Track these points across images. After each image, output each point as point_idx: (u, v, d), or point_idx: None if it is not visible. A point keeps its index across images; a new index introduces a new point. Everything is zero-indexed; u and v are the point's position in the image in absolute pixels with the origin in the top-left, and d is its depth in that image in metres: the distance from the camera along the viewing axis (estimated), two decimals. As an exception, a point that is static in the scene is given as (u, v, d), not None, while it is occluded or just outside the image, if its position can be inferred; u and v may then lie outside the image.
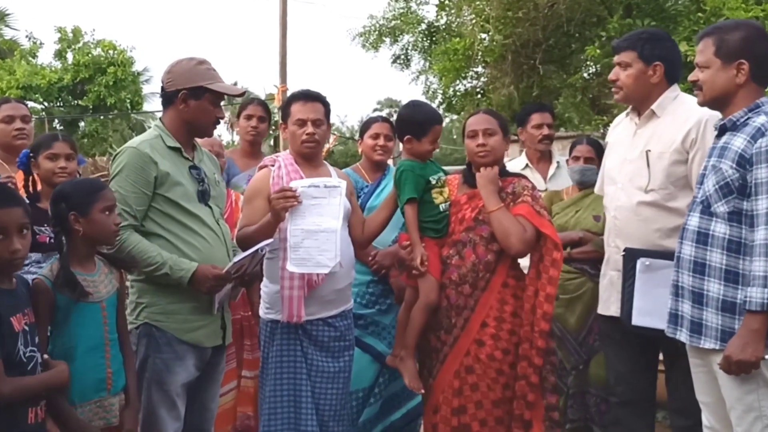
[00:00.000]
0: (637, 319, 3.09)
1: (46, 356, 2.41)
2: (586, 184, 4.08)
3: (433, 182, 3.29)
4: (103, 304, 2.59)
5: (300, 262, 3.06)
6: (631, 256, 3.13)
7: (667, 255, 2.98)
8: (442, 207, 3.29)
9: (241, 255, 2.92)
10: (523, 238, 3.12)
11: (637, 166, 3.18)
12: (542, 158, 4.66)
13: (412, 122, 3.32)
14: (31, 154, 3.25)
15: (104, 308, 2.60)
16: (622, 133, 3.38)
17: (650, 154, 3.15)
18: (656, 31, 3.33)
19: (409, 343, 3.20)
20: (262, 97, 32.94)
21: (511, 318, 3.17)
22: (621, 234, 3.24)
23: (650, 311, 3.03)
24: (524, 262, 3.28)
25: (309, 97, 3.30)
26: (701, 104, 2.77)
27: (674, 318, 2.71)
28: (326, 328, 3.21)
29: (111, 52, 24.05)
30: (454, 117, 21.20)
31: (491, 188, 3.20)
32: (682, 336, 2.67)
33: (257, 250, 2.93)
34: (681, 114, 3.14)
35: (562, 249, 3.16)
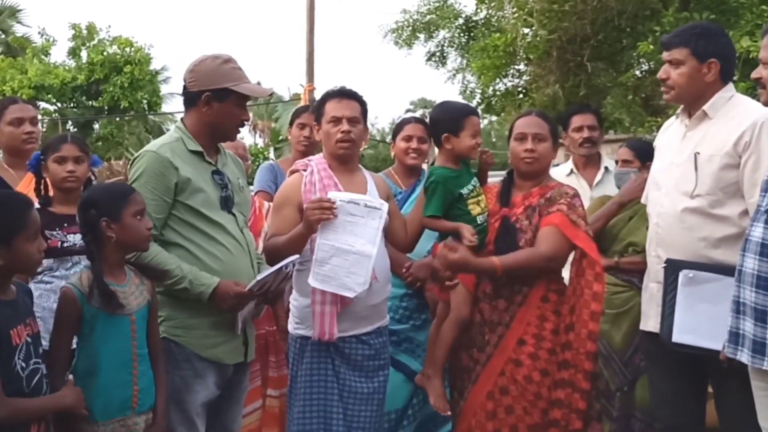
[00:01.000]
0: (678, 336, 3.07)
1: (70, 377, 2.46)
2: None
3: (465, 194, 3.30)
4: (132, 317, 2.65)
5: (324, 279, 3.07)
6: (673, 268, 3.12)
7: (713, 267, 2.97)
8: (480, 219, 3.30)
9: (265, 272, 2.94)
10: (547, 256, 3.14)
11: (684, 170, 3.17)
12: (589, 163, 4.65)
13: (446, 118, 3.34)
14: (41, 157, 3.30)
15: (133, 321, 2.65)
16: (672, 136, 3.37)
17: (699, 157, 3.13)
18: (710, 25, 3.31)
19: (437, 361, 3.21)
20: (287, 98, 33.27)
21: (552, 336, 3.16)
22: (663, 243, 3.23)
23: (693, 328, 3.02)
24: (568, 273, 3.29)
25: (344, 94, 3.32)
26: (765, 104, 2.75)
27: (734, 337, 2.69)
28: (360, 346, 3.23)
29: (127, 49, 24.40)
30: (494, 118, 21.12)
31: (462, 265, 3.13)
32: (744, 356, 2.65)
33: (281, 268, 2.95)
34: (735, 116, 3.12)
35: (601, 263, 3.16)
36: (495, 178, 3.61)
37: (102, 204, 2.64)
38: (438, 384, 3.19)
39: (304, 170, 3.32)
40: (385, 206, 3.18)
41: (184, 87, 3.08)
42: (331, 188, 3.21)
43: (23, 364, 2.31)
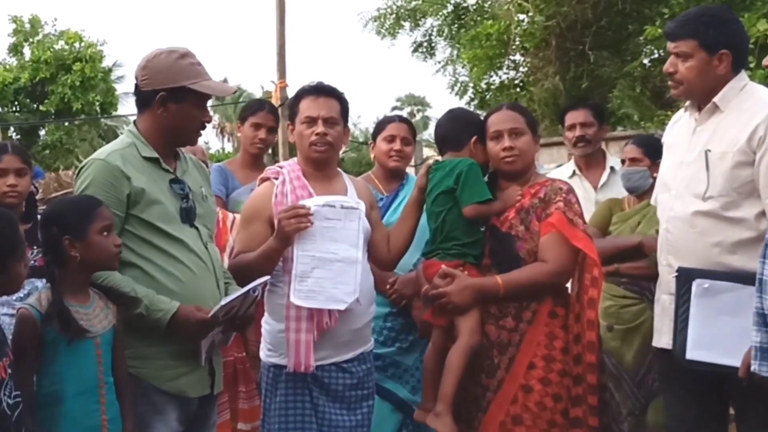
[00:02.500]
0: (693, 353, 3.08)
1: None
2: (635, 191, 4.13)
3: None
4: (97, 340, 2.65)
5: (308, 295, 3.08)
6: (685, 277, 3.13)
7: (730, 276, 2.98)
8: (481, 228, 3.31)
9: (231, 296, 2.93)
10: (554, 272, 3.17)
11: (694, 170, 3.19)
12: (592, 163, 4.69)
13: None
14: None
15: (98, 345, 2.65)
16: (680, 132, 3.39)
17: (710, 155, 3.15)
18: (718, 11, 3.32)
19: (446, 396, 3.16)
20: (258, 95, 33.20)
21: (562, 356, 3.19)
22: (674, 250, 3.24)
23: (708, 344, 3.03)
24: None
25: (321, 91, 3.32)
26: None
27: (766, 353, 2.68)
28: (341, 375, 3.23)
29: (77, 45, 24.33)
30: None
31: (468, 293, 3.17)
32: None
33: (249, 291, 2.94)
34: (748, 108, 3.14)
35: (600, 265, 3.19)
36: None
37: (65, 220, 2.65)
38: (449, 422, 3.13)
39: (276, 178, 3.31)
40: (362, 204, 3.19)
41: (136, 86, 3.07)
42: (304, 198, 3.20)
43: (9, 401, 2.32)
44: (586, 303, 3.17)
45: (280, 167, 3.38)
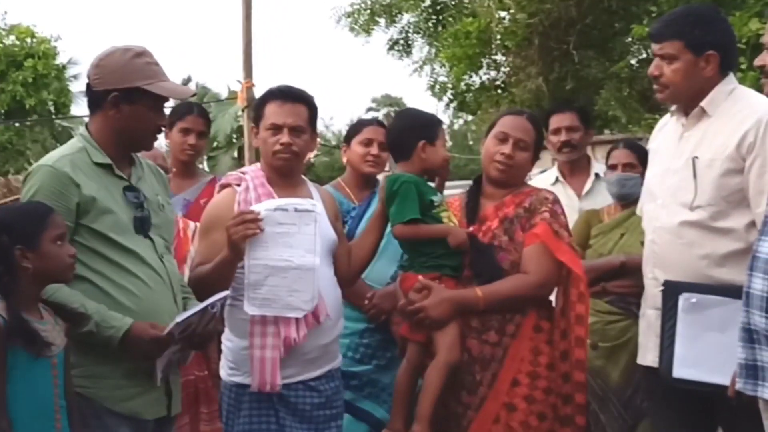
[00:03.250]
0: (680, 371, 3.11)
1: None
2: (627, 199, 4.13)
3: (436, 203, 3.33)
4: (54, 360, 2.64)
5: (262, 303, 3.08)
6: (671, 291, 3.16)
7: (718, 289, 3.01)
8: None
9: (187, 312, 2.91)
10: (536, 283, 3.20)
11: (681, 177, 3.21)
12: (576, 169, 4.71)
13: (423, 123, 3.42)
14: None
15: (55, 365, 2.64)
16: (667, 138, 3.42)
17: (698, 162, 3.17)
18: (704, 10, 3.36)
19: (424, 415, 3.16)
20: (224, 95, 33.11)
21: (547, 372, 3.21)
22: (660, 262, 3.27)
23: (696, 361, 3.05)
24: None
25: (288, 96, 3.32)
26: None
27: (752, 370, 2.69)
28: (308, 393, 3.23)
29: (29, 40, 24.18)
30: (469, 118, 21.28)
31: (446, 306, 3.19)
32: (767, 393, 2.67)
33: (207, 307, 2.92)
34: (737, 112, 3.17)
35: (585, 279, 3.22)
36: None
37: (15, 228, 2.62)
38: None
39: (238, 185, 3.31)
40: (319, 206, 3.20)
41: (88, 85, 3.06)
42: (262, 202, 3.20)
43: None
44: (574, 319, 3.20)
45: (243, 173, 3.37)
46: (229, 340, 3.30)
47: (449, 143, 37.49)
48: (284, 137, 3.25)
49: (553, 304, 3.33)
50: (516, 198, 3.34)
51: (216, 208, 3.35)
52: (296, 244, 3.10)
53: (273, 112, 3.28)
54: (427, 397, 3.17)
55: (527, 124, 3.39)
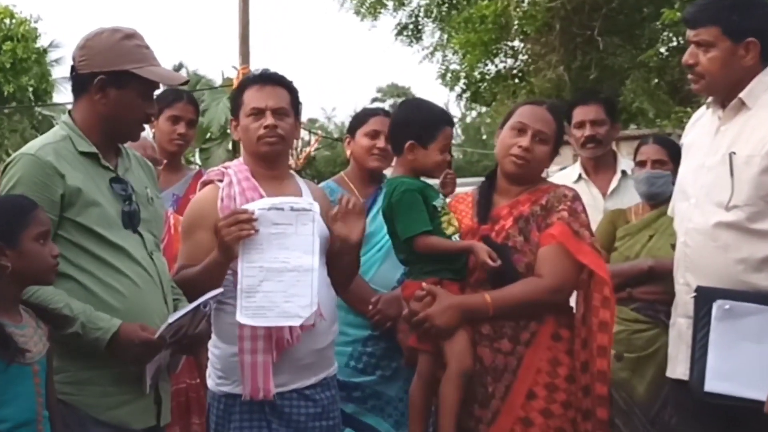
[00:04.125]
0: (712, 384, 3.10)
1: None
2: (656, 198, 4.13)
3: (439, 208, 3.35)
4: (35, 367, 2.64)
5: (256, 312, 3.09)
6: (704, 298, 3.15)
7: (755, 296, 3.00)
8: (455, 238, 3.33)
9: (178, 313, 2.92)
10: (551, 287, 3.19)
11: (717, 175, 3.20)
12: (601, 166, 4.71)
13: (416, 122, 3.39)
14: None
15: (36, 373, 2.64)
16: (702, 132, 3.41)
17: (735, 158, 3.16)
18: None
19: None
20: (218, 82, 33.13)
21: (567, 384, 3.22)
22: (693, 267, 3.26)
23: (730, 373, 3.04)
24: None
25: (267, 79, 3.35)
26: None
27: None
28: (303, 403, 3.23)
29: (7, 21, 24.22)
30: (483, 110, 21.27)
31: (452, 313, 3.19)
32: None
33: (199, 306, 2.94)
34: None
35: (611, 283, 3.21)
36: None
37: None
38: None
39: (220, 181, 3.33)
40: (316, 205, 3.20)
41: (73, 68, 3.07)
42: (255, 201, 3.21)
43: None
44: (596, 327, 3.20)
45: (225, 168, 3.40)
46: (216, 347, 3.31)
47: (461, 137, 37.57)
48: (268, 119, 3.27)
49: (575, 311, 3.34)
50: (532, 195, 3.34)
51: (198, 206, 3.37)
52: (292, 245, 3.12)
53: (253, 97, 3.31)
54: (446, 415, 3.18)
55: (548, 115, 3.38)
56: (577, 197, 3.35)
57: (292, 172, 3.49)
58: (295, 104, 3.38)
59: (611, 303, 3.22)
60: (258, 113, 3.28)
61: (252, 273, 3.09)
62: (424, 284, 3.25)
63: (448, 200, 3.50)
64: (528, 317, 3.22)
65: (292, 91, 3.38)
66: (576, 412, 3.21)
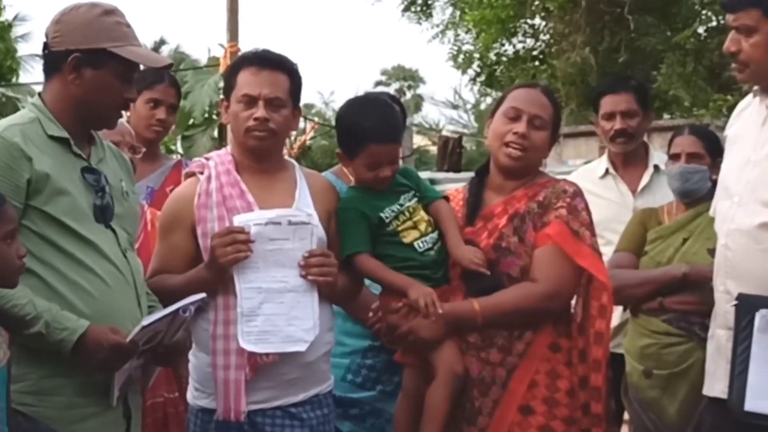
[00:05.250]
0: (753, 403, 3.11)
1: None
2: (692, 196, 4.13)
3: (387, 219, 3.34)
4: None
5: (259, 338, 3.11)
6: (747, 307, 3.16)
7: None
8: (420, 245, 3.32)
9: (154, 316, 2.93)
10: (546, 293, 3.20)
11: (763, 171, 3.22)
12: (631, 160, 4.71)
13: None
14: None
15: None
16: (748, 123, 3.42)
17: None
18: None
19: None
20: (203, 62, 33.11)
21: (568, 399, 3.23)
22: (734, 272, 3.26)
23: None
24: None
25: (267, 62, 3.32)
26: None
27: None
28: (288, 422, 3.24)
29: (-32, -8, 24.26)
30: (499, 95, 21.28)
31: (438, 323, 3.20)
32: None
33: (178, 311, 2.95)
34: None
35: (610, 289, 3.22)
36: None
37: None
38: None
39: (202, 173, 3.33)
40: (314, 217, 3.22)
41: (46, 45, 3.07)
42: (235, 200, 3.22)
43: None
44: (593, 337, 3.22)
45: (207, 158, 3.40)
46: (194, 356, 3.32)
47: (473, 126, 37.52)
48: (259, 111, 3.24)
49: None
50: (529, 190, 3.34)
51: (176, 202, 3.37)
52: (289, 261, 3.15)
53: (246, 81, 3.29)
54: (431, 424, 3.20)
55: (543, 98, 3.40)
56: (578, 193, 3.35)
57: (290, 161, 3.49)
58: (295, 92, 3.36)
59: (608, 312, 3.23)
60: (250, 101, 3.26)
61: (251, 295, 3.12)
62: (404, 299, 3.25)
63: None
64: (522, 326, 3.23)
65: (294, 77, 3.35)
66: (579, 431, 3.23)
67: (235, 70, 3.36)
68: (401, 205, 3.37)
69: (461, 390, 3.22)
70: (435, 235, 3.36)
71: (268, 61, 3.32)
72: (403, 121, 4.00)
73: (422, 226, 3.36)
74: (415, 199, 3.41)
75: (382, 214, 3.33)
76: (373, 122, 3.34)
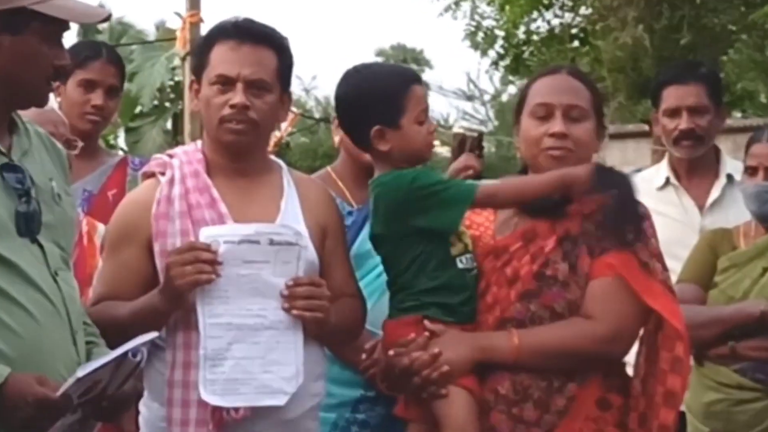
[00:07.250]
0: None
1: None
2: None
3: None
4: None
5: (226, 387, 3.12)
6: None
7: None
8: (462, 262, 3.31)
9: (95, 363, 2.89)
10: (603, 335, 3.21)
11: None
12: (698, 168, 4.75)
13: (372, 97, 3.30)
14: None
15: None
16: None
17: None
18: None
19: None
20: (152, 36, 33.21)
21: None
22: None
23: None
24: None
25: (248, 34, 3.34)
26: None
27: None
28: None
29: None
30: (519, 91, 21.44)
31: (465, 349, 3.21)
32: None
33: (127, 353, 2.92)
34: None
35: (687, 338, 3.19)
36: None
37: None
38: None
39: (163, 174, 3.34)
40: (304, 237, 3.21)
41: None
42: (203, 210, 3.24)
43: None
44: (661, 398, 3.21)
45: (171, 156, 3.41)
46: (145, 406, 3.36)
47: (493, 123, 37.70)
48: (237, 96, 3.26)
49: (630, 371, 3.35)
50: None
51: (129, 211, 3.40)
52: (268, 291, 3.16)
53: (222, 58, 3.31)
54: None
55: (574, 82, 3.42)
56: (647, 215, 3.34)
57: (276, 161, 3.52)
58: (285, 74, 3.39)
59: (684, 367, 3.21)
60: (226, 83, 3.28)
61: (218, 332, 3.12)
62: (427, 323, 3.22)
63: None
64: (565, 375, 3.23)
65: (283, 55, 3.38)
66: None
67: (209, 45, 3.38)
68: None
69: None
70: (472, 256, 3.34)
71: (249, 34, 3.34)
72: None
73: (465, 239, 3.34)
74: None
75: None
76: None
